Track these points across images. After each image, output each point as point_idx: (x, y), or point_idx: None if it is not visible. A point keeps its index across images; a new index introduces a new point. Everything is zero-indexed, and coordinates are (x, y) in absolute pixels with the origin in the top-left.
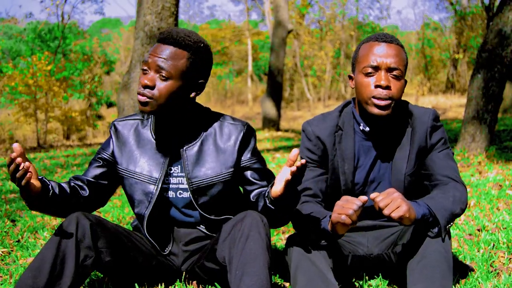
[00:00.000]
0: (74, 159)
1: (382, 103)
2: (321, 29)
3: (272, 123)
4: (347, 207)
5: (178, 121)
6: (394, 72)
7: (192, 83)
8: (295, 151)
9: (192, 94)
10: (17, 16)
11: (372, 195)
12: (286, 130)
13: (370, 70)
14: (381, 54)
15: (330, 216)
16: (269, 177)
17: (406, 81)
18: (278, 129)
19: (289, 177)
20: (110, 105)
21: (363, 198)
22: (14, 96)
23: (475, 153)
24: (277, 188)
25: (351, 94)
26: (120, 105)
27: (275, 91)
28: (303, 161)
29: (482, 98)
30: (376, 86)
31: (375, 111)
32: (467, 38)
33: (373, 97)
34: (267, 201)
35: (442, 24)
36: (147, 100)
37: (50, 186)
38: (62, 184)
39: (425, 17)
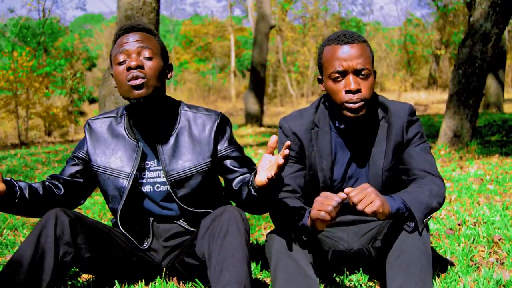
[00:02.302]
0: (56, 156)
1: (355, 106)
2: (304, 25)
3: (255, 119)
4: (326, 203)
5: (155, 111)
6: (362, 73)
7: (166, 63)
8: (274, 137)
9: (169, 75)
10: None
11: (346, 190)
12: (269, 126)
13: (337, 75)
14: (345, 57)
15: (310, 212)
16: (248, 164)
17: (375, 73)
18: (261, 125)
19: (276, 170)
20: (92, 101)
21: (343, 195)
22: None
23: (456, 148)
24: (262, 178)
25: None
26: (101, 101)
27: (258, 87)
28: (287, 151)
29: (463, 94)
30: (347, 92)
31: (349, 114)
32: (449, 34)
33: (346, 102)
34: (252, 190)
35: (424, 20)
36: (142, 81)
37: (17, 188)
38: (35, 185)
39: (408, 13)
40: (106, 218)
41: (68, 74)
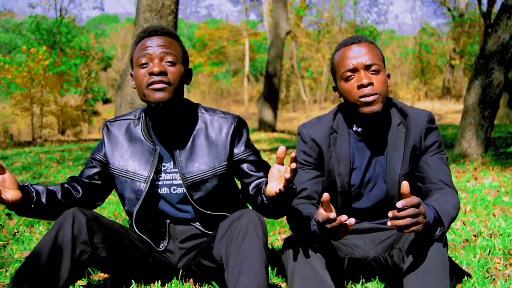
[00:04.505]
0: (70, 154)
1: (369, 99)
2: (319, 31)
3: (268, 125)
4: (336, 229)
5: (173, 114)
6: (372, 68)
7: (186, 68)
8: (282, 148)
9: (189, 80)
10: (14, 10)
11: (405, 189)
12: (282, 131)
13: (348, 73)
14: (354, 55)
15: (315, 220)
16: (265, 168)
17: (389, 75)
18: (274, 130)
19: (284, 183)
20: (106, 101)
21: (343, 218)
22: (10, 90)
23: (471, 159)
24: (271, 189)
25: None
26: (117, 102)
27: (272, 93)
28: (293, 165)
29: (479, 105)
30: (359, 87)
31: (366, 109)
32: (464, 44)
33: (360, 97)
34: (264, 199)
35: (439, 30)
36: (165, 86)
37: (33, 194)
38: (53, 188)
39: (423, 22)
40: (121, 218)
41: (83, 73)
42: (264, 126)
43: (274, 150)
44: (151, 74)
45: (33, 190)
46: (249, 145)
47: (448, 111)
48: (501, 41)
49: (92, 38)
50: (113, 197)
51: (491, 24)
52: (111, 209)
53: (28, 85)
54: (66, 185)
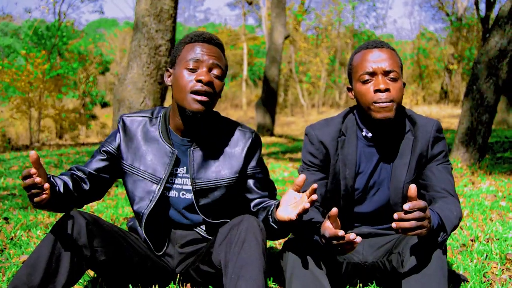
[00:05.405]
0: (68, 158)
1: (384, 104)
2: (317, 36)
3: (266, 129)
4: (343, 244)
5: (198, 122)
6: (391, 75)
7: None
8: (302, 176)
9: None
10: (12, 14)
11: (406, 206)
12: (280, 136)
13: (367, 77)
14: (375, 59)
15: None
16: (270, 188)
17: (404, 84)
18: (272, 135)
19: (300, 211)
20: (104, 105)
21: (352, 236)
22: (8, 94)
23: (468, 163)
24: (283, 214)
25: (345, 101)
26: (115, 107)
27: (270, 98)
28: (315, 196)
29: (477, 109)
30: (376, 91)
31: (378, 115)
32: (462, 49)
33: (374, 102)
34: (270, 220)
35: (437, 35)
36: (208, 99)
37: (57, 188)
38: (66, 179)
39: (421, 27)
40: (119, 222)
41: (81, 77)
42: (262, 130)
43: (271, 154)
44: (199, 81)
45: (56, 184)
46: (260, 162)
47: (446, 116)
48: (498, 46)
49: (91, 42)
50: (110, 201)
51: (489, 29)
52: (109, 213)
53: (26, 89)
54: (74, 176)
